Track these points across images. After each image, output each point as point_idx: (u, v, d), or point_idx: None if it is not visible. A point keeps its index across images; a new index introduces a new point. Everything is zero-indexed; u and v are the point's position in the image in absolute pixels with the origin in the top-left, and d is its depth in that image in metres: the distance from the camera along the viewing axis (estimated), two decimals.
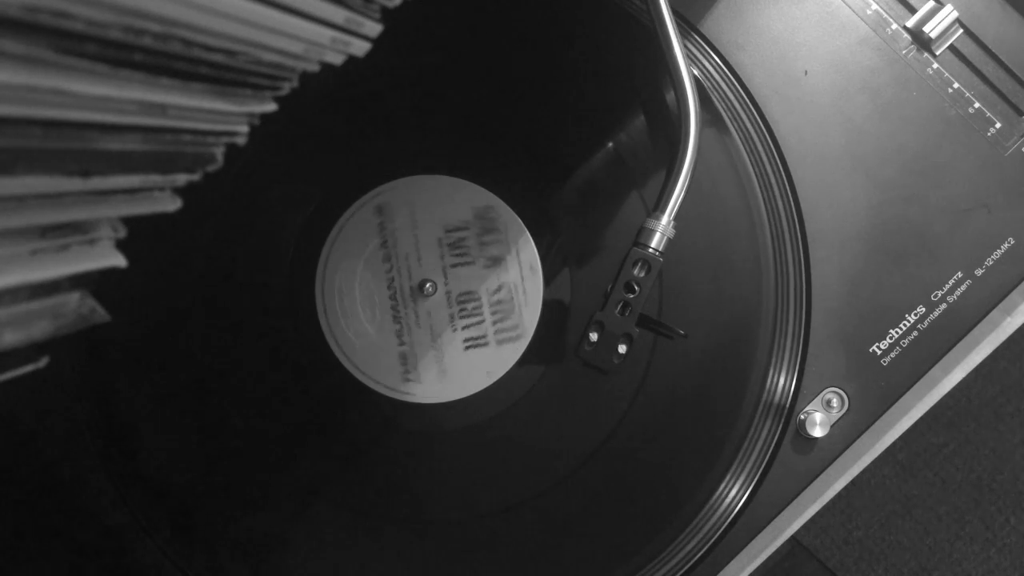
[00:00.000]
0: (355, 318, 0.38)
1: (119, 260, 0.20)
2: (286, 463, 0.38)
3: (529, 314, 0.38)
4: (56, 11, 0.14)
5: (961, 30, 0.38)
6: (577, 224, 0.39)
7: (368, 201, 0.38)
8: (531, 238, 0.38)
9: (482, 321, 0.38)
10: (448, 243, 0.38)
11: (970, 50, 0.38)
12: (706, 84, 0.39)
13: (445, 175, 0.39)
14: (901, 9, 0.39)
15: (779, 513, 0.37)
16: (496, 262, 0.37)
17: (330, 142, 0.39)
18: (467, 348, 0.38)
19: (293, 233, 0.38)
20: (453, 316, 0.38)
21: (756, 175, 0.38)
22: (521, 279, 0.38)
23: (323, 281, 0.38)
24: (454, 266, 0.38)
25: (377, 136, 0.39)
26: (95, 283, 0.20)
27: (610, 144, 0.39)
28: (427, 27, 0.39)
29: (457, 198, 0.38)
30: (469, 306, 0.38)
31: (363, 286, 0.38)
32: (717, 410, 0.37)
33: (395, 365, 0.38)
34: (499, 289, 0.38)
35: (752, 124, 0.39)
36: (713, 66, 0.39)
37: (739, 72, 0.39)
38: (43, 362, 0.19)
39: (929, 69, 0.38)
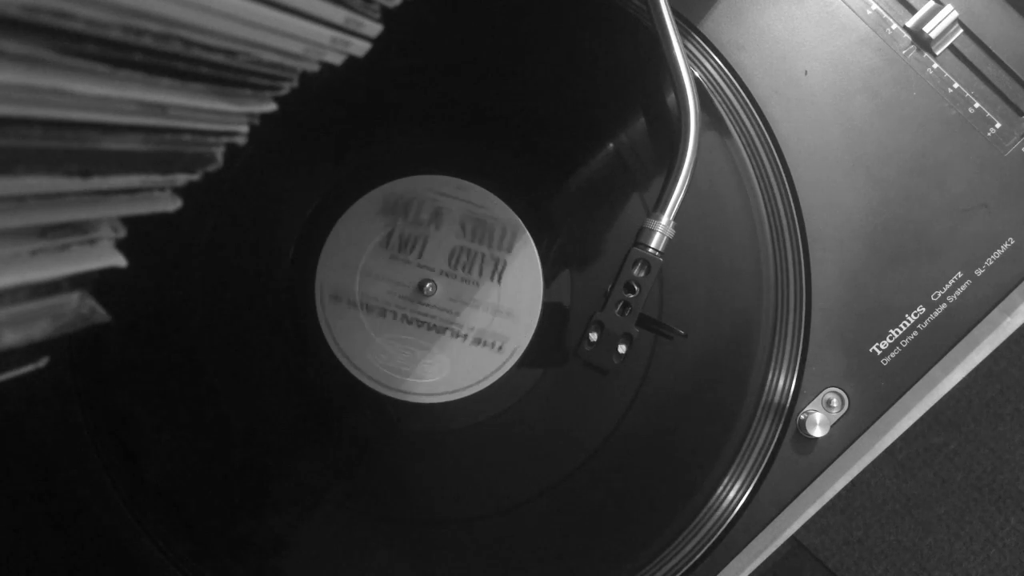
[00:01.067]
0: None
1: (119, 260, 0.20)
2: (286, 463, 0.38)
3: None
4: (56, 11, 0.14)
5: (961, 30, 0.38)
6: (577, 224, 0.39)
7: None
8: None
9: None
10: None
11: (970, 50, 0.38)
12: (706, 84, 0.39)
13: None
14: (901, 9, 0.39)
15: (779, 513, 0.37)
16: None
17: (330, 142, 0.39)
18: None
19: (293, 233, 0.38)
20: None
21: (756, 175, 0.38)
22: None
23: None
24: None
25: (376, 136, 0.39)
26: (95, 283, 0.20)
27: (610, 144, 0.39)
28: (427, 27, 0.39)
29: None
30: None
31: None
32: (717, 410, 0.37)
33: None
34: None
35: (752, 124, 0.39)
36: (713, 66, 0.39)
37: (739, 72, 0.39)
38: (43, 362, 0.19)
39: (929, 69, 0.38)
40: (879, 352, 0.37)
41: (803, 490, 0.37)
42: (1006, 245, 0.37)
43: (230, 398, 0.38)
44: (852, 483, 0.37)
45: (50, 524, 0.37)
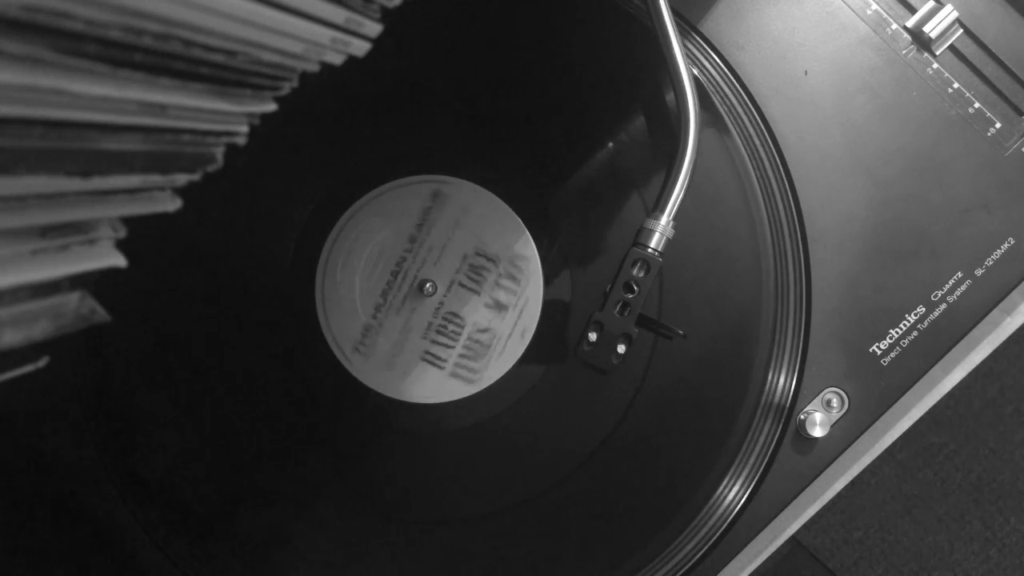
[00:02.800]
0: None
1: (119, 260, 0.20)
2: (286, 463, 0.38)
3: (495, 368, 0.38)
4: (56, 11, 0.14)
5: (961, 30, 0.38)
6: (577, 224, 0.39)
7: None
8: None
9: (452, 348, 0.38)
10: (471, 264, 0.38)
11: (970, 50, 0.38)
12: (706, 84, 0.39)
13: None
14: (901, 9, 0.39)
15: (779, 513, 0.37)
16: (498, 308, 0.38)
17: (330, 142, 0.39)
18: (422, 359, 0.38)
19: (293, 233, 0.38)
20: (431, 325, 0.38)
21: (756, 175, 0.38)
22: (508, 336, 0.38)
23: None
24: (462, 286, 0.38)
25: (376, 136, 0.39)
26: (95, 283, 0.20)
27: (610, 144, 0.39)
28: (426, 27, 0.39)
29: (506, 230, 0.38)
30: (449, 327, 0.38)
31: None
32: (717, 410, 0.37)
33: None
34: (485, 331, 0.38)
35: (752, 124, 0.39)
36: (713, 66, 0.39)
37: (739, 72, 0.39)
38: (43, 362, 0.19)
39: (929, 69, 0.38)
40: (879, 352, 0.37)
41: (803, 490, 0.37)
42: (1006, 245, 0.37)
43: (230, 398, 0.38)
44: (852, 483, 0.37)
45: (50, 524, 0.37)
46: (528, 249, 0.38)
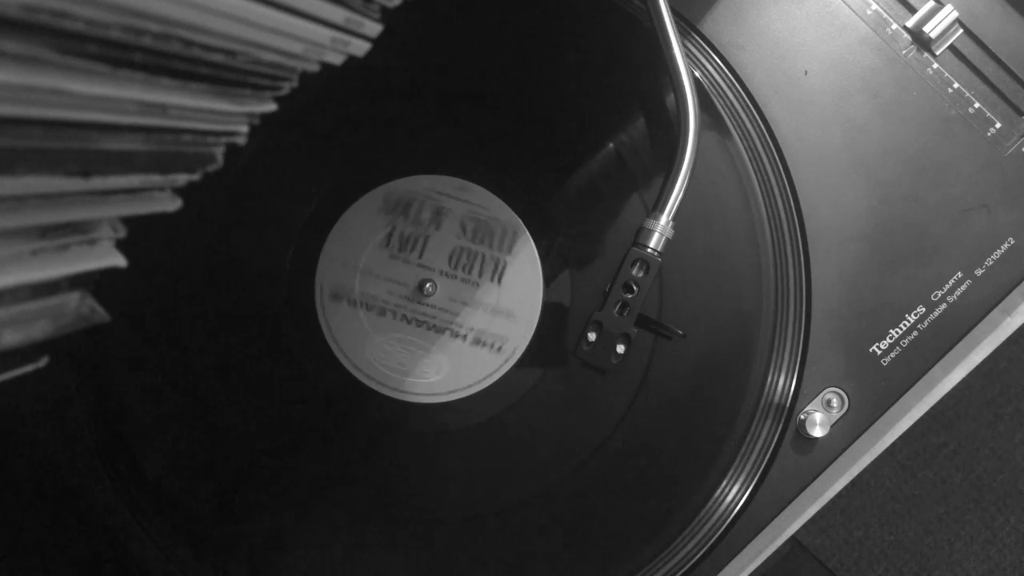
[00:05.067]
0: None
1: (119, 260, 0.20)
2: (286, 463, 0.38)
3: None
4: (56, 11, 0.14)
5: (961, 30, 0.38)
6: (577, 224, 0.39)
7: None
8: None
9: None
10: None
11: (970, 50, 0.38)
12: (706, 84, 0.39)
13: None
14: (901, 9, 0.39)
15: (779, 513, 0.37)
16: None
17: (330, 142, 0.39)
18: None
19: (293, 233, 0.38)
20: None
21: (756, 175, 0.38)
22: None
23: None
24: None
25: (376, 136, 0.39)
26: (95, 283, 0.20)
27: (610, 144, 0.39)
28: (427, 27, 0.39)
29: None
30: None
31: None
32: (717, 410, 0.37)
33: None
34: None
35: (752, 124, 0.39)
36: (713, 66, 0.39)
37: (739, 72, 0.39)
38: (43, 362, 0.19)
39: (929, 69, 0.38)
40: (879, 352, 0.37)
41: (803, 490, 0.37)
42: (1006, 245, 0.37)
43: (230, 398, 0.38)
44: (852, 483, 0.37)
45: (50, 524, 0.37)
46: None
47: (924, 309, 0.37)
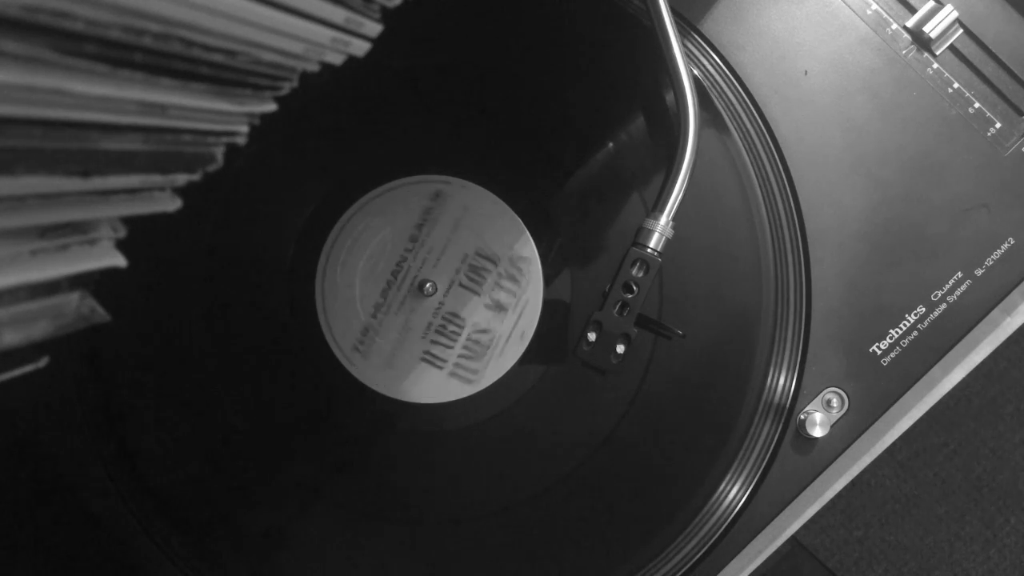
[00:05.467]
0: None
1: (119, 260, 0.20)
2: (286, 463, 0.38)
3: (494, 369, 0.38)
4: (56, 11, 0.14)
5: (961, 30, 0.38)
6: (577, 224, 0.39)
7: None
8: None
9: (451, 348, 0.38)
10: (471, 264, 0.38)
11: (970, 50, 0.38)
12: (706, 84, 0.39)
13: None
14: (901, 9, 0.39)
15: (779, 513, 0.37)
16: (498, 308, 0.38)
17: (330, 142, 0.39)
18: (422, 359, 0.38)
19: (293, 233, 0.38)
20: (431, 325, 0.38)
21: (756, 175, 0.38)
22: (508, 336, 0.38)
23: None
24: (462, 286, 0.38)
25: (376, 136, 0.39)
26: (95, 283, 0.20)
27: (610, 144, 0.39)
28: (427, 27, 0.39)
29: (506, 230, 0.38)
30: (449, 327, 0.38)
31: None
32: (717, 410, 0.37)
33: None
34: (485, 331, 0.38)
35: (752, 124, 0.39)
36: (713, 66, 0.39)
37: (739, 72, 0.39)
38: (43, 362, 0.19)
39: (929, 69, 0.38)
40: (879, 352, 0.37)
41: (803, 490, 0.37)
42: (1006, 245, 0.37)
43: (230, 398, 0.38)
44: (852, 483, 0.37)
45: (50, 524, 0.37)
46: (528, 249, 0.38)
47: (924, 309, 0.37)
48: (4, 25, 0.13)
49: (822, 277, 0.38)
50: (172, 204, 0.20)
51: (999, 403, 0.78)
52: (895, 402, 0.37)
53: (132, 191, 0.19)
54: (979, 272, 0.37)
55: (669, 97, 0.38)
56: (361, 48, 0.21)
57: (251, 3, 0.17)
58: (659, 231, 0.35)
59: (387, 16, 0.21)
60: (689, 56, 0.38)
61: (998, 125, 0.38)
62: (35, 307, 0.18)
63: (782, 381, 0.37)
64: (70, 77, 0.15)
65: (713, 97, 0.39)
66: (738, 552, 0.36)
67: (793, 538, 0.37)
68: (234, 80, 0.19)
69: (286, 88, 0.21)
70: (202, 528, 0.37)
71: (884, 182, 0.38)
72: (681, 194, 0.36)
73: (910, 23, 0.39)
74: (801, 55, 0.39)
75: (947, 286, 0.37)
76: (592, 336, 0.35)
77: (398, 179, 0.38)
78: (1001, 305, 0.37)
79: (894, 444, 0.37)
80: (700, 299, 0.38)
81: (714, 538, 0.37)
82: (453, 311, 0.38)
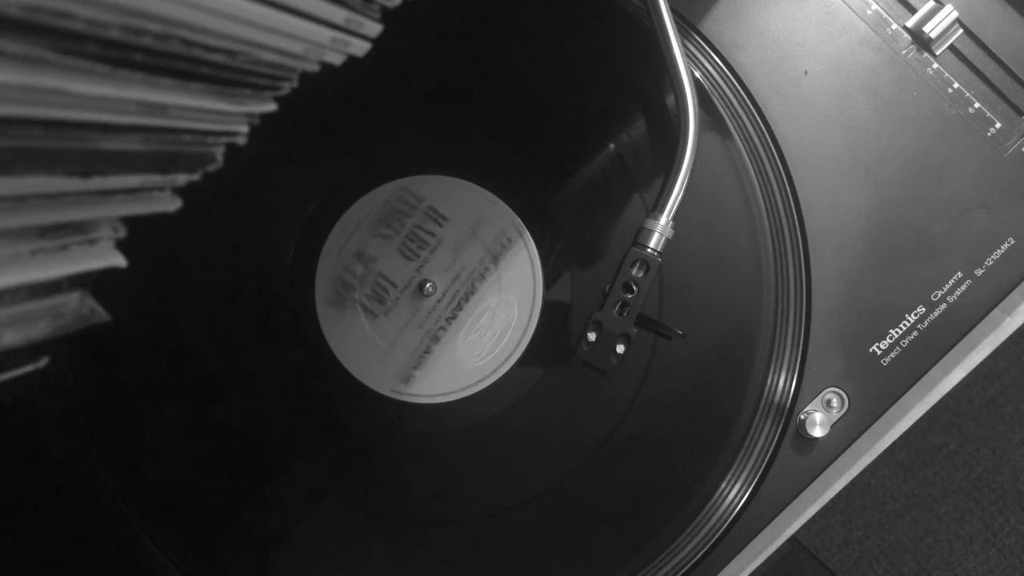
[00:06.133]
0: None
1: (119, 260, 0.20)
2: (287, 463, 0.38)
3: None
4: (56, 11, 0.14)
5: (961, 30, 0.38)
6: (577, 224, 0.39)
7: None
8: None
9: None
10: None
11: (970, 50, 0.38)
12: (706, 84, 0.39)
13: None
14: (901, 9, 0.39)
15: (779, 513, 0.37)
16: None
17: (330, 142, 0.39)
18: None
19: (293, 233, 0.38)
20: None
21: (756, 175, 0.38)
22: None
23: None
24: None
25: (377, 136, 0.39)
26: (95, 283, 0.20)
27: (610, 144, 0.39)
28: (427, 27, 0.39)
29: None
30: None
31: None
32: (717, 410, 0.37)
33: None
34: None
35: (752, 124, 0.39)
36: (713, 66, 0.39)
37: (739, 72, 0.39)
38: (43, 362, 0.19)
39: (929, 69, 0.38)
40: (879, 352, 0.37)
41: (803, 490, 0.37)
42: (1006, 245, 0.37)
43: (230, 398, 0.38)
44: (852, 483, 0.37)
45: (50, 524, 0.37)
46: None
47: (924, 309, 0.37)
48: (4, 25, 0.13)
49: (822, 277, 0.38)
50: (172, 204, 0.20)
51: (999, 403, 0.78)
52: (895, 402, 0.37)
53: (132, 191, 0.19)
54: (979, 272, 0.37)
55: (669, 97, 0.38)
56: (361, 48, 0.21)
57: (251, 3, 0.17)
58: (659, 231, 0.35)
59: (387, 16, 0.21)
60: (689, 56, 0.38)
61: (998, 125, 0.38)
62: (35, 307, 0.18)
63: (782, 381, 0.37)
64: (70, 77, 0.15)
65: (713, 97, 0.39)
66: (738, 552, 0.36)
67: (793, 538, 0.37)
68: (234, 80, 0.19)
69: (286, 88, 0.21)
70: (202, 528, 0.37)
71: (884, 182, 0.38)
72: (681, 194, 0.36)
73: (910, 23, 0.39)
74: (801, 55, 0.39)
75: (947, 286, 0.37)
76: (592, 336, 0.35)
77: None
78: (1001, 305, 0.37)
79: (894, 444, 0.37)
80: (700, 299, 0.38)
81: (714, 538, 0.37)
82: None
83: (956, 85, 0.38)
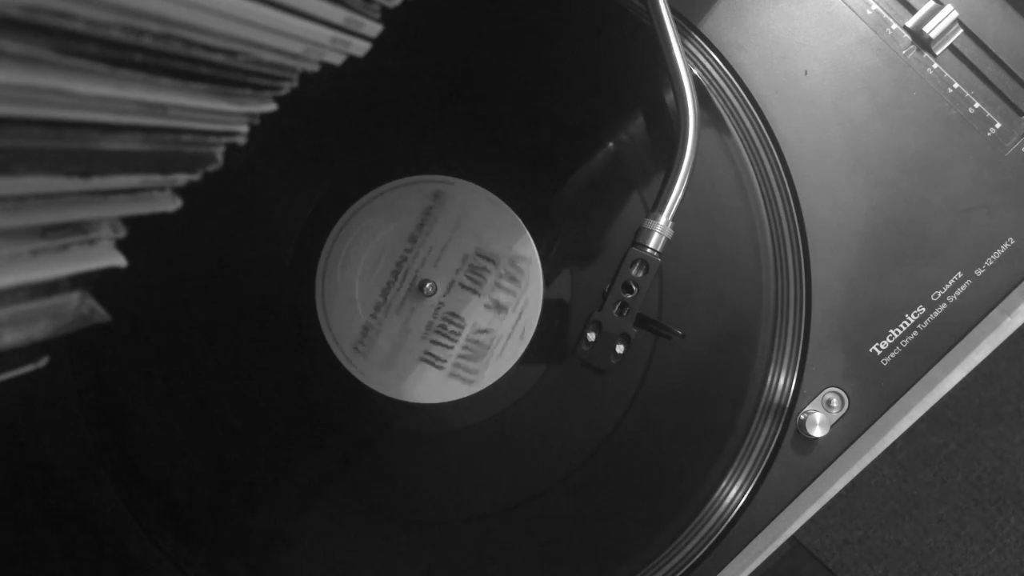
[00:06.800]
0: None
1: (119, 260, 0.20)
2: (286, 463, 0.38)
3: (494, 369, 0.38)
4: (56, 11, 0.14)
5: (961, 30, 0.38)
6: (577, 224, 0.39)
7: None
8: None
9: (451, 348, 0.38)
10: (471, 264, 0.38)
11: (970, 50, 0.38)
12: (706, 84, 0.39)
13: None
14: (901, 9, 0.39)
15: (779, 513, 0.37)
16: (498, 308, 0.38)
17: (330, 142, 0.39)
18: (421, 360, 0.38)
19: (293, 233, 0.38)
20: (431, 325, 0.38)
21: (756, 175, 0.38)
22: (508, 336, 0.38)
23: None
24: (462, 286, 0.38)
25: (376, 136, 0.39)
26: (95, 283, 0.20)
27: (610, 144, 0.39)
28: (427, 27, 0.39)
29: (506, 230, 0.38)
30: (449, 327, 0.38)
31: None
32: (717, 410, 0.37)
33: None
34: (485, 331, 0.38)
35: (752, 124, 0.39)
36: (713, 66, 0.39)
37: (739, 72, 0.39)
38: (43, 362, 0.19)
39: (929, 69, 0.38)
40: (879, 352, 0.37)
41: (803, 490, 0.37)
42: (1006, 245, 0.37)
43: (230, 398, 0.38)
44: (852, 483, 0.37)
45: (50, 524, 0.37)
46: (528, 249, 0.38)
47: (924, 309, 0.37)
48: (4, 25, 0.13)
49: (822, 277, 0.38)
50: (172, 204, 0.20)
51: (999, 403, 0.78)
52: (895, 402, 0.37)
53: (132, 191, 0.19)
54: (979, 272, 0.37)
55: (669, 97, 0.38)
56: (361, 48, 0.21)
57: (251, 3, 0.17)
58: (659, 231, 0.35)
59: (387, 16, 0.21)
60: (689, 56, 0.38)
61: (998, 125, 0.38)
62: (35, 307, 0.18)
63: (782, 381, 0.37)
64: (70, 77, 0.15)
65: (713, 97, 0.39)
66: (738, 552, 0.36)
67: (793, 538, 0.37)
68: (234, 80, 0.19)
69: (286, 88, 0.21)
70: (202, 528, 0.37)
71: (884, 182, 0.38)
72: (681, 194, 0.36)
73: (910, 23, 0.39)
74: (801, 55, 0.39)
75: (947, 286, 0.37)
76: (592, 336, 0.35)
77: (398, 179, 0.38)
78: (1001, 305, 0.37)
79: (894, 444, 0.37)
80: (700, 299, 0.38)
81: (714, 538, 0.37)
82: (453, 311, 0.38)
83: (956, 85, 0.38)
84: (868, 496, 0.77)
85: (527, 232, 0.38)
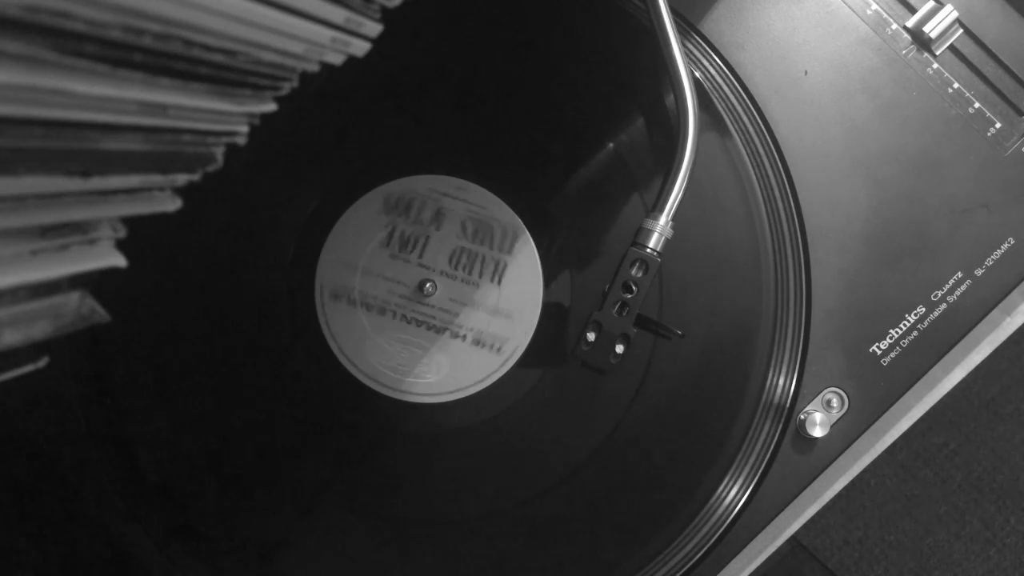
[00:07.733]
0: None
1: (119, 260, 0.20)
2: (286, 463, 0.38)
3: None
4: (56, 11, 0.14)
5: (961, 30, 0.38)
6: (577, 224, 0.39)
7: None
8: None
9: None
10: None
11: (970, 50, 0.38)
12: (706, 84, 0.39)
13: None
14: (901, 9, 0.39)
15: (779, 513, 0.37)
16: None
17: (329, 142, 0.39)
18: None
19: (293, 233, 0.38)
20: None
21: (756, 175, 0.38)
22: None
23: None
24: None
25: (376, 136, 0.39)
26: (95, 283, 0.20)
27: (610, 144, 0.39)
28: (427, 27, 0.39)
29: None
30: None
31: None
32: (717, 410, 0.37)
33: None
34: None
35: (752, 124, 0.39)
36: (713, 66, 0.39)
37: (739, 72, 0.39)
38: (43, 362, 0.19)
39: (929, 69, 0.38)
40: (879, 352, 0.37)
41: (803, 490, 0.37)
42: (1006, 245, 0.37)
43: (230, 398, 0.38)
44: (852, 483, 0.37)
45: (50, 524, 0.37)
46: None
47: (924, 309, 0.37)
48: (4, 25, 0.13)
49: (822, 277, 0.38)
50: (172, 204, 0.20)
51: (999, 403, 0.78)
52: (895, 402, 0.37)
53: (132, 191, 0.19)
54: (979, 272, 0.37)
55: (669, 97, 0.38)
56: (361, 48, 0.21)
57: (251, 3, 0.17)
58: (659, 231, 0.35)
59: (387, 16, 0.21)
60: (689, 56, 0.38)
61: (998, 125, 0.38)
62: (35, 307, 0.18)
63: (782, 381, 0.37)
64: (70, 77, 0.15)
65: (713, 97, 0.39)
66: (738, 552, 0.36)
67: (793, 538, 0.37)
68: (234, 80, 0.19)
69: (286, 88, 0.21)
70: (202, 529, 0.37)
71: (884, 182, 0.38)
72: (681, 194, 0.36)
73: (910, 23, 0.39)
74: (801, 55, 0.39)
75: (947, 286, 0.37)
76: (591, 336, 0.35)
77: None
78: (1001, 305, 0.37)
79: (894, 444, 0.37)
80: (700, 299, 0.38)
81: (714, 538, 0.37)
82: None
83: (956, 85, 0.38)
84: (868, 496, 0.77)
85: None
